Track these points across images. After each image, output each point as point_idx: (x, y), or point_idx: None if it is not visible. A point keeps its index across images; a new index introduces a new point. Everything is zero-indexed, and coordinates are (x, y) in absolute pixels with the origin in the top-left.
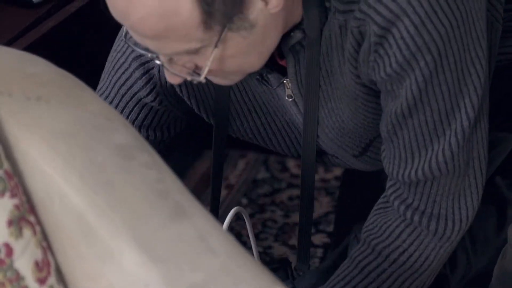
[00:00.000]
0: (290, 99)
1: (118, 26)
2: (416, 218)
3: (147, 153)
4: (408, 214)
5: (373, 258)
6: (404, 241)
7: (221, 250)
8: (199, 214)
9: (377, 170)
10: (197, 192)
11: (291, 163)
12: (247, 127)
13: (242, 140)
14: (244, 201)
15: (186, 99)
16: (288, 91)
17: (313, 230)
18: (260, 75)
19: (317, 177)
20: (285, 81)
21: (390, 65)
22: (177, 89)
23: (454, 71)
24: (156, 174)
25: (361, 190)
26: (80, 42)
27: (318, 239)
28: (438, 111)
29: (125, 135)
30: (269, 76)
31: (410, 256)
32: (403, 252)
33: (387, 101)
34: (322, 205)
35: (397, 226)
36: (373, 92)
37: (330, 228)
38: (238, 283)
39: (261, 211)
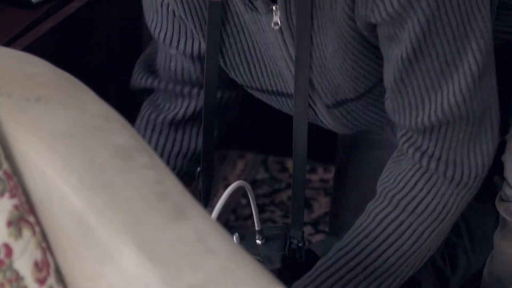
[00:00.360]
0: (277, 27)
1: (116, 27)
2: (432, 165)
3: (146, 154)
4: (424, 161)
5: (390, 210)
6: (421, 190)
7: (221, 251)
8: (199, 215)
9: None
10: (196, 193)
11: (290, 164)
12: (236, 49)
13: (241, 140)
14: (244, 201)
15: (180, 9)
16: (276, 18)
17: (312, 231)
18: (248, 0)
19: (316, 177)
20: (273, 8)
21: (392, 4)
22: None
23: (458, 13)
24: (156, 175)
25: (355, 188)
26: (79, 43)
27: (317, 239)
28: (443, 54)
29: (124, 136)
30: (258, 1)
31: (428, 205)
32: (421, 201)
33: (391, 49)
34: (321, 205)
35: (412, 176)
36: (359, 38)
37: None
38: (238, 284)
39: (260, 212)
